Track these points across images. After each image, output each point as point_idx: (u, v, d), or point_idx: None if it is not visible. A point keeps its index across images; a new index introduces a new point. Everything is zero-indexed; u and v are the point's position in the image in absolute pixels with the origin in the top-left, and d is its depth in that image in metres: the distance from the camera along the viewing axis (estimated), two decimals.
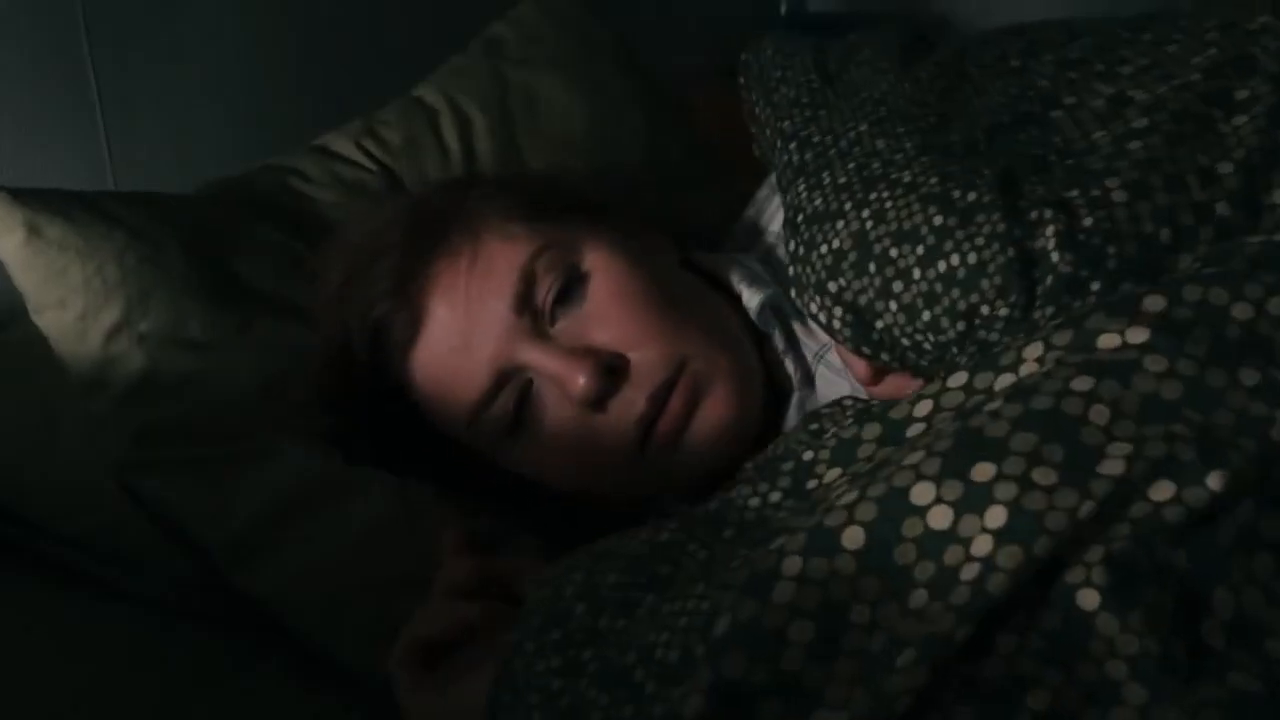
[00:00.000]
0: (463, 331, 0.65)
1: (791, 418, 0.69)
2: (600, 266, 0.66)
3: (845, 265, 0.56)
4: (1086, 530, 0.40)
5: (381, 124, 0.86)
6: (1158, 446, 0.40)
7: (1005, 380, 0.44)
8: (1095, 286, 0.49)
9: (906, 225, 0.54)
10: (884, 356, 0.57)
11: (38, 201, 0.69)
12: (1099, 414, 0.41)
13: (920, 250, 0.53)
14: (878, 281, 0.54)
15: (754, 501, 0.50)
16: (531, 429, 0.65)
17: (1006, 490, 0.40)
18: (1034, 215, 0.51)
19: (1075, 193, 0.51)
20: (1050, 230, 0.50)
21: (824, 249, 0.57)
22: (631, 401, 0.63)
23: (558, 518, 0.71)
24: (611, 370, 0.63)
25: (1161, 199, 0.50)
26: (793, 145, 0.64)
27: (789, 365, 0.69)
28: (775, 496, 0.50)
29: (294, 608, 0.68)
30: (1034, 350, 0.45)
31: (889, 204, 0.55)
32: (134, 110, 0.90)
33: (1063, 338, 0.44)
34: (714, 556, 0.48)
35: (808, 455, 0.49)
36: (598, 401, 0.63)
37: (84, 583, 0.71)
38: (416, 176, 0.83)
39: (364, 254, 0.67)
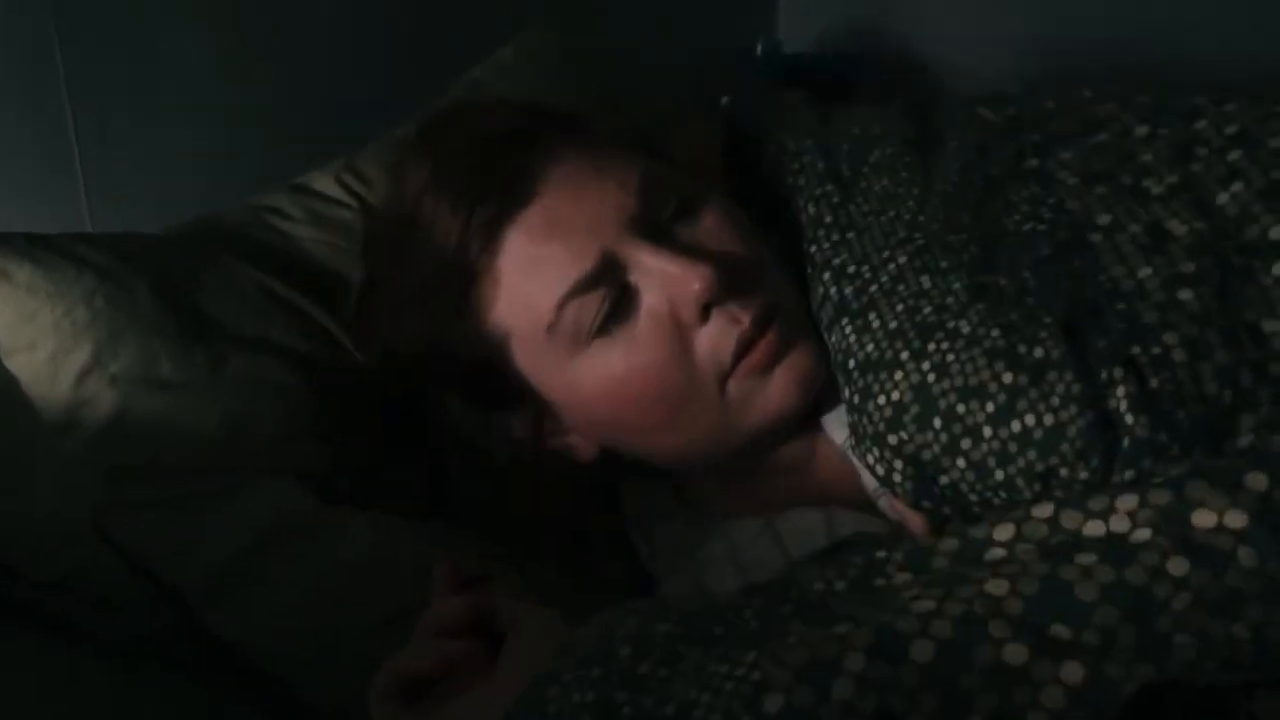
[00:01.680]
0: (573, 213, 0.61)
1: (831, 421, 0.65)
2: (713, 201, 0.64)
3: (907, 419, 0.54)
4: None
5: (363, 162, 0.83)
6: (1223, 649, 0.39)
7: (1094, 528, 0.42)
8: (1175, 450, 0.48)
9: (973, 381, 0.52)
10: (945, 511, 0.55)
11: (5, 246, 0.66)
12: (1182, 600, 0.40)
13: (990, 408, 0.51)
14: (944, 438, 0.53)
15: (818, 586, 0.48)
16: (616, 337, 0.61)
17: (1089, 657, 0.39)
18: (1104, 375, 0.50)
19: (1137, 350, 0.50)
20: (1121, 391, 0.49)
21: (881, 400, 0.55)
22: (735, 318, 0.60)
23: (547, 533, 0.69)
24: (722, 284, 0.60)
25: (1220, 357, 0.49)
26: (826, 276, 0.62)
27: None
28: (840, 586, 0.47)
29: (269, 649, 0.65)
30: (1127, 503, 0.42)
31: (950, 356, 0.53)
32: (111, 154, 0.88)
33: (1160, 497, 0.42)
34: (767, 627, 0.46)
35: (880, 553, 0.47)
36: (706, 309, 0.60)
37: (59, 627, 0.67)
38: None
39: (468, 142, 0.63)
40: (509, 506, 0.74)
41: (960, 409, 0.52)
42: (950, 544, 0.45)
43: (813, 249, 0.64)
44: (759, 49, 1.61)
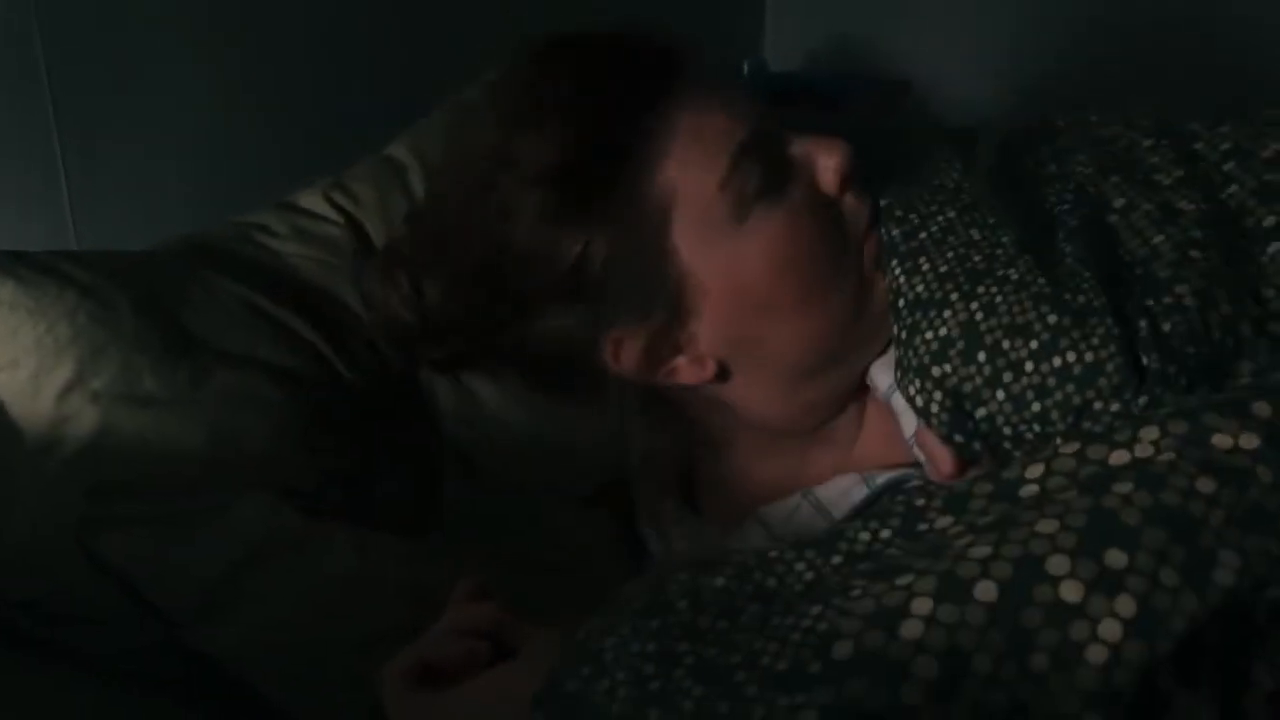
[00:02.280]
0: (725, 96, 0.62)
1: (877, 367, 0.66)
2: None
3: (952, 352, 0.57)
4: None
5: (351, 179, 0.82)
6: (1261, 563, 0.41)
7: (1120, 456, 0.45)
8: (1183, 381, 0.53)
9: (1019, 320, 0.56)
10: (976, 446, 0.58)
11: None
12: (1217, 518, 0.42)
13: (1034, 345, 0.55)
14: (987, 370, 0.56)
15: (864, 535, 0.50)
16: (776, 204, 0.61)
17: (1138, 583, 0.40)
18: (1131, 324, 0.55)
19: (1151, 301, 0.55)
20: (1140, 335, 0.54)
21: (929, 335, 0.59)
22: (861, 197, 0.64)
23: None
24: (854, 160, 0.63)
25: (1225, 309, 0.54)
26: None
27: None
28: (885, 534, 0.49)
29: (258, 664, 0.64)
30: (1150, 433, 0.45)
31: (999, 298, 0.57)
32: (97, 173, 0.87)
33: (1178, 427, 0.45)
34: (822, 579, 0.48)
35: (919, 501, 0.49)
36: (845, 181, 0.63)
37: (42, 645, 0.66)
38: (385, 230, 0.79)
39: (610, 40, 0.63)
40: (508, 516, 0.73)
41: (1005, 344, 0.56)
42: (985, 486, 0.47)
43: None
44: (745, 68, 1.62)
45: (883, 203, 0.65)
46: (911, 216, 0.63)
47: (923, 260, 0.61)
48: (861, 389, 0.68)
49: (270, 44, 0.98)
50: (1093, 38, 1.60)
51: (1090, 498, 0.43)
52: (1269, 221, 0.57)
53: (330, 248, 0.77)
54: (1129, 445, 0.45)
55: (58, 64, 0.84)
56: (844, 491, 0.66)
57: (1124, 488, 0.43)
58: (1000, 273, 0.58)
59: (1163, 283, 0.55)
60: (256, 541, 0.64)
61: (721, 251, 0.61)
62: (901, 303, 0.61)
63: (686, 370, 0.65)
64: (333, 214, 0.80)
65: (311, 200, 0.81)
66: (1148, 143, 0.65)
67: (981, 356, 0.56)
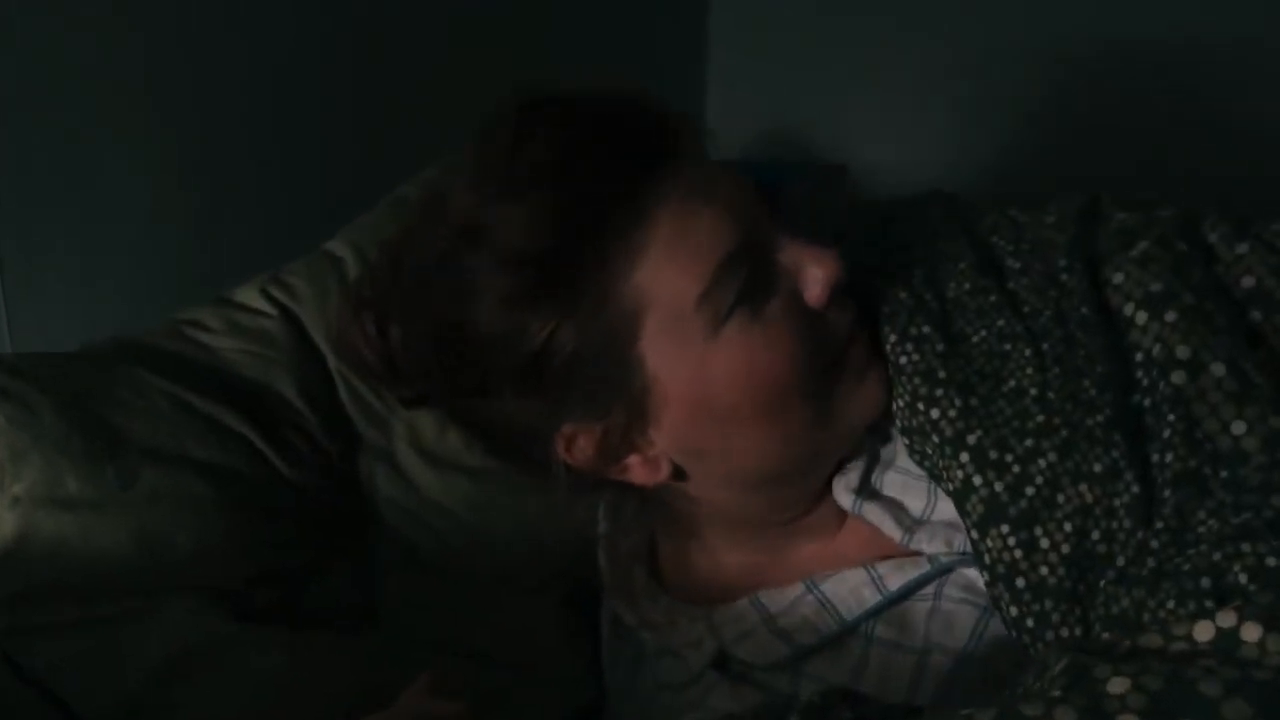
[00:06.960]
0: (717, 190, 0.58)
1: (838, 485, 0.65)
2: None
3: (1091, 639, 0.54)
4: None
5: (288, 273, 0.81)
6: None
7: (1205, 629, 0.41)
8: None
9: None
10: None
11: None
12: None
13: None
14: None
15: None
16: (756, 316, 0.58)
17: None
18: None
19: (1247, 547, 0.51)
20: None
21: (1064, 632, 0.55)
22: (847, 306, 0.62)
23: None
24: (844, 271, 0.60)
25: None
26: (964, 457, 0.60)
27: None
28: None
29: None
30: (1233, 600, 0.44)
31: (1125, 601, 0.54)
32: (35, 273, 0.85)
33: (1263, 597, 0.44)
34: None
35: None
36: (835, 291, 0.60)
37: None
38: (321, 321, 0.78)
39: (600, 117, 0.58)
40: (453, 609, 0.70)
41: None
42: (1061, 655, 0.44)
43: (934, 412, 0.60)
44: None
45: (969, 439, 0.59)
46: (1008, 459, 0.58)
47: (1039, 532, 0.56)
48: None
49: (212, 140, 0.98)
50: (1029, 122, 1.64)
51: (1170, 664, 0.40)
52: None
53: (265, 341, 0.76)
54: (1210, 615, 0.42)
55: None
56: (853, 590, 0.63)
57: (1208, 662, 0.40)
58: (1120, 562, 0.54)
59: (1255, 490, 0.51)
60: (184, 646, 0.61)
61: (689, 362, 0.58)
62: (1022, 583, 0.56)
63: (639, 470, 0.62)
64: (268, 308, 0.78)
65: (247, 295, 0.79)
66: (1182, 246, 0.60)
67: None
